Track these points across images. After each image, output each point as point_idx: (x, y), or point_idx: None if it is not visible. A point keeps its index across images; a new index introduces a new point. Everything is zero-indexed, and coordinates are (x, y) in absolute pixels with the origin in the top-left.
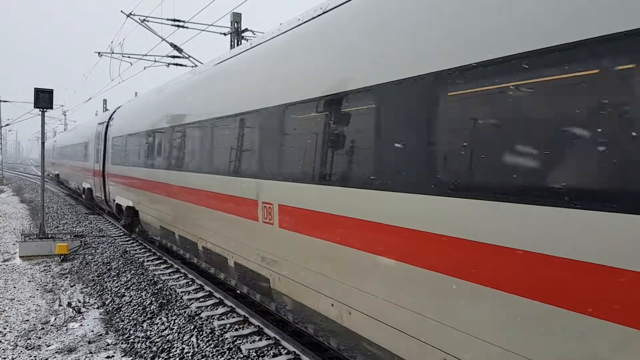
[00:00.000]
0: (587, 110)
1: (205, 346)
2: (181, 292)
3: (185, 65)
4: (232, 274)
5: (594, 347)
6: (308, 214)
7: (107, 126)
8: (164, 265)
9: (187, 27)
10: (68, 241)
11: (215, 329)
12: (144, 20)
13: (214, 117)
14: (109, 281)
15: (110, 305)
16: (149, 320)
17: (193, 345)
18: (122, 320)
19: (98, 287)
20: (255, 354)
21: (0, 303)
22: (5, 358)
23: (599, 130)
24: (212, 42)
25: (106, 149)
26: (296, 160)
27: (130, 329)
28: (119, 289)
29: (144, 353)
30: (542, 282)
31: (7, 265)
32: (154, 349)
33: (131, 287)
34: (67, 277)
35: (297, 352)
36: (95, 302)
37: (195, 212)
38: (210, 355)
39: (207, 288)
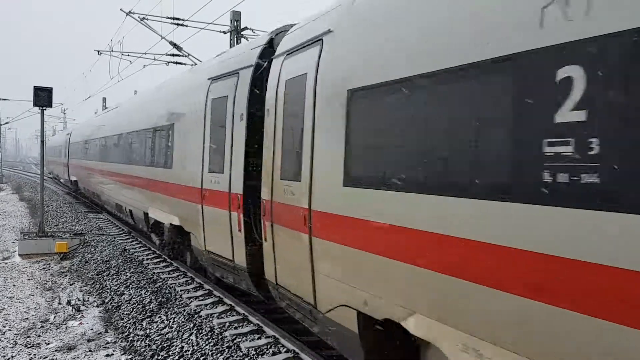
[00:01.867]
0: None
1: (204, 344)
2: (180, 291)
3: (185, 64)
4: None
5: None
6: None
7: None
8: (164, 264)
9: (186, 26)
10: (67, 239)
11: (215, 328)
12: (144, 18)
13: None
14: (109, 279)
15: (109, 303)
16: (149, 319)
17: (192, 343)
18: (122, 319)
19: (97, 286)
20: (254, 353)
21: None
22: (4, 356)
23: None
24: (211, 41)
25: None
26: None
27: (129, 327)
28: (118, 287)
29: (144, 351)
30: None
31: (6, 263)
32: (154, 347)
33: (130, 286)
34: (66, 275)
35: (297, 350)
36: (94, 301)
37: None
38: (210, 353)
39: (206, 287)
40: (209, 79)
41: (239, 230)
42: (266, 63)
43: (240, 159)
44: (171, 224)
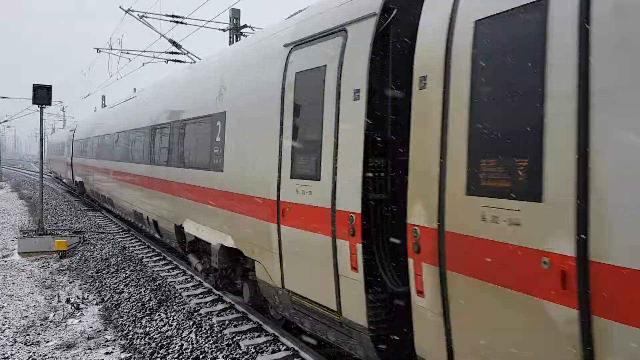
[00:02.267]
0: None
1: (204, 342)
2: (180, 289)
3: (184, 62)
4: None
5: None
6: None
7: None
8: (163, 262)
9: (185, 23)
10: (67, 237)
11: (215, 325)
12: (143, 16)
13: None
14: (108, 277)
15: (109, 301)
16: (148, 317)
17: (192, 341)
18: (121, 317)
19: (97, 284)
20: (254, 350)
21: None
22: (4, 354)
23: None
24: (211, 39)
25: None
26: None
27: (129, 325)
28: (117, 285)
29: (143, 349)
30: None
31: (6, 261)
32: (153, 345)
33: (130, 284)
34: (66, 273)
35: (296, 348)
36: (94, 299)
37: None
38: (209, 351)
39: (206, 285)
40: (286, 45)
41: (353, 268)
42: (395, 11)
43: (355, 158)
44: (222, 246)
